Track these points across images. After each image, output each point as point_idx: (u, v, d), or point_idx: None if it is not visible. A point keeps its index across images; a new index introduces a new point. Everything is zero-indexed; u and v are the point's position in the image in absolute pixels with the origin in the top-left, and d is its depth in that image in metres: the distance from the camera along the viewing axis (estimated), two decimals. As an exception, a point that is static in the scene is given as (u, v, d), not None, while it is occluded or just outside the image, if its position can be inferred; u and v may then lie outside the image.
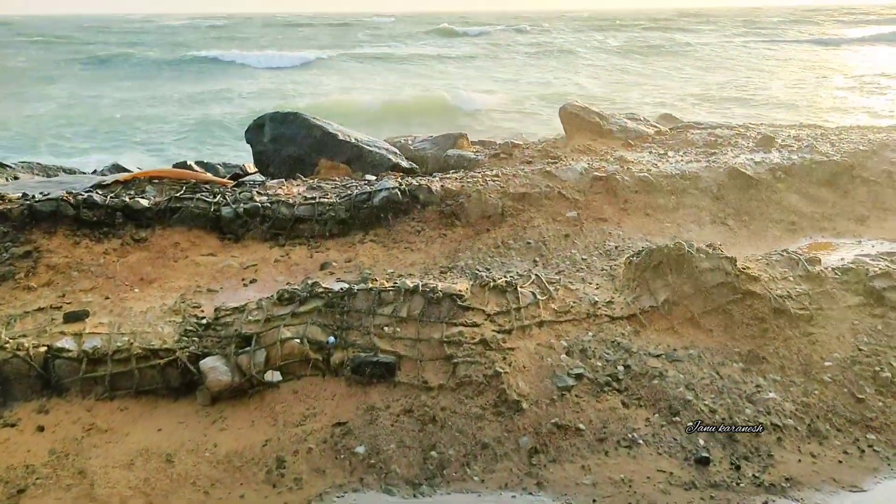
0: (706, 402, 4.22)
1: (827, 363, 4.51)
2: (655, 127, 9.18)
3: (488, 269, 5.63)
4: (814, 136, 8.44)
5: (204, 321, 4.84)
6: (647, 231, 6.30)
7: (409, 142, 9.27)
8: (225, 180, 7.27)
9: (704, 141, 8.31)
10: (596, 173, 6.89)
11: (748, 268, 5.18)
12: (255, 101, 26.85)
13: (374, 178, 7.24)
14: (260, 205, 6.27)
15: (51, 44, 54.14)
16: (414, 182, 6.56)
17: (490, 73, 38.15)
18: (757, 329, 4.77)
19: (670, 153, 7.91)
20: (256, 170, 8.81)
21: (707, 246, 5.27)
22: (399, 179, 6.87)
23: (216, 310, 4.95)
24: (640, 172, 6.95)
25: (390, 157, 7.97)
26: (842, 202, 6.75)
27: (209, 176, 7.20)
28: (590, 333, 4.73)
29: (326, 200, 6.35)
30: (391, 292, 4.83)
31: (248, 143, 8.68)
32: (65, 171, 11.26)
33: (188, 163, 12.52)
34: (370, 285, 4.93)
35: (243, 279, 5.63)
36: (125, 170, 10.75)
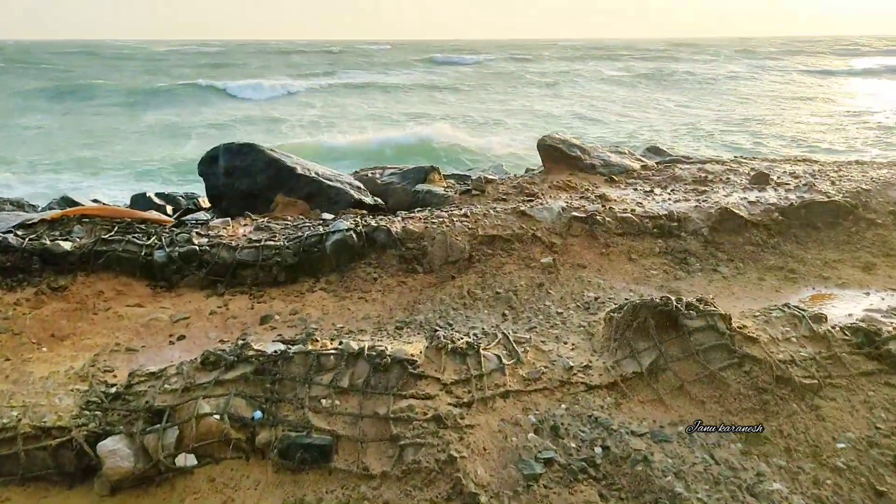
0: (700, 496, 3.56)
1: (840, 445, 3.87)
2: (641, 161, 8.62)
3: (450, 325, 4.99)
4: (811, 172, 7.90)
5: (113, 390, 4.15)
6: (631, 278, 5.68)
7: (378, 175, 8.67)
8: (165, 218, 6.62)
9: (694, 177, 7.75)
10: (575, 213, 6.29)
11: (745, 327, 4.57)
12: (228, 132, 26.37)
13: (330, 216, 6.61)
14: (198, 248, 5.61)
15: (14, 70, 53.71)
16: (372, 223, 5.93)
17: (479, 104, 38.01)
18: (756, 401, 4.14)
19: (657, 190, 7.34)
20: (210, 205, 8.18)
21: (698, 300, 4.66)
22: (357, 219, 6.24)
23: (130, 375, 4.26)
24: (624, 212, 6.35)
25: (353, 192, 7.35)
26: (846, 247, 6.17)
27: (148, 214, 6.54)
28: (563, 406, 4.08)
29: (273, 243, 5.71)
30: (332, 356, 4.17)
31: (200, 176, 8.05)
32: (11, 203, 10.58)
33: (147, 194, 11.88)
34: (309, 347, 4.27)
35: (171, 335, 4.95)
36: (75, 203, 10.09)
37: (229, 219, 6.30)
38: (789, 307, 4.93)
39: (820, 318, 4.77)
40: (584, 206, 6.49)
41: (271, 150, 7.67)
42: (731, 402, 4.15)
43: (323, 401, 3.95)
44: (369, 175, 8.65)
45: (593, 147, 8.51)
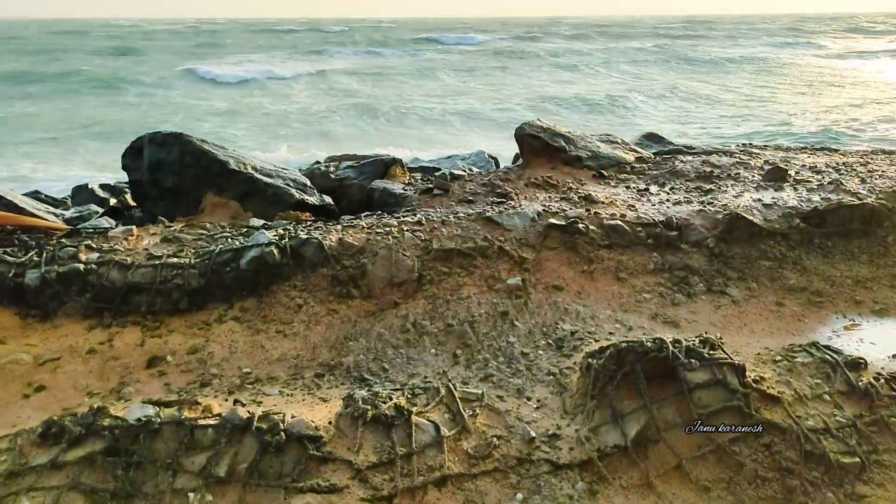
0: None
1: (894, 558, 2.87)
2: (636, 152, 7.55)
3: (385, 370, 3.96)
4: (835, 165, 6.83)
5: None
6: (619, 304, 4.65)
7: (333, 168, 7.61)
8: (59, 225, 5.57)
9: (697, 172, 6.69)
10: (552, 220, 5.25)
11: (763, 379, 3.55)
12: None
13: (259, 223, 5.57)
14: (83, 266, 4.57)
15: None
16: (301, 234, 4.89)
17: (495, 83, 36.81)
18: (779, 487, 3.12)
19: (653, 189, 6.28)
20: (135, 204, 7.14)
21: (701, 342, 3.63)
22: (286, 228, 5.20)
23: (-53, 448, 3.26)
24: (612, 219, 5.31)
25: (294, 191, 6.30)
26: (881, 261, 5.14)
27: (36, 220, 5.49)
28: (519, 496, 3.06)
29: (176, 260, 4.67)
30: (211, 430, 3.14)
31: (124, 170, 6.98)
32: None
33: (90, 185, 10.83)
34: (183, 414, 3.24)
35: (30, 384, 3.94)
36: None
37: (133, 227, 5.25)
38: (818, 348, 3.90)
39: (858, 365, 3.75)
40: (564, 211, 5.44)
41: (202, 140, 6.60)
42: (746, 487, 3.14)
43: (191, 495, 2.94)
44: (323, 168, 7.59)
45: (581, 136, 7.44)
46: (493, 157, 12.29)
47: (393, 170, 7.26)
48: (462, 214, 5.38)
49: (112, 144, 19.33)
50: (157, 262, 4.65)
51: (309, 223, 5.49)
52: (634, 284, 4.84)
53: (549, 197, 5.97)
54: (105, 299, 4.50)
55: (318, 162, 11.00)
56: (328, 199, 6.68)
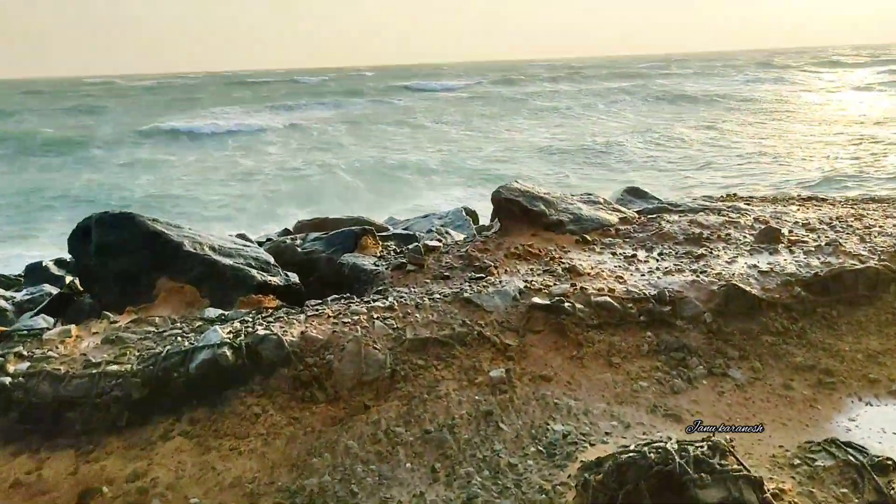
0: None
1: None
2: (619, 211, 7.23)
3: (354, 494, 3.49)
4: (829, 221, 6.53)
5: None
6: (613, 395, 4.23)
7: (300, 242, 7.20)
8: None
9: (686, 234, 6.35)
10: (535, 299, 4.85)
11: (783, 493, 3.12)
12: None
13: (215, 313, 5.11)
14: (8, 381, 4.07)
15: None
16: (259, 330, 4.43)
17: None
18: None
19: (640, 254, 5.92)
20: (82, 289, 6.65)
21: (710, 448, 3.21)
22: (245, 319, 4.75)
23: None
24: (600, 295, 4.92)
25: (256, 272, 5.86)
26: (891, 331, 4.78)
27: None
28: None
29: (117, 368, 4.19)
30: None
31: (70, 253, 6.52)
32: None
33: (44, 263, 10.39)
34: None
35: (-65, 533, 3.42)
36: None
37: (72, 327, 4.76)
38: (839, 447, 3.49)
39: (887, 468, 3.34)
40: (548, 287, 5.05)
41: (153, 220, 6.17)
42: None
43: None
44: (288, 241, 7.17)
45: (561, 198, 7.10)
46: (471, 213, 12.01)
47: (364, 241, 6.86)
48: (438, 295, 4.97)
49: (75, 212, 18.82)
50: (95, 370, 4.16)
51: (270, 312, 5.04)
52: (629, 370, 4.42)
53: (531, 269, 5.58)
54: (33, 419, 4.00)
55: (286, 230, 10.61)
56: (294, 278, 6.25)
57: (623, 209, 7.43)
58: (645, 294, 4.97)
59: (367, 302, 4.97)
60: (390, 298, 4.96)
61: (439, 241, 6.71)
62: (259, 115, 47.80)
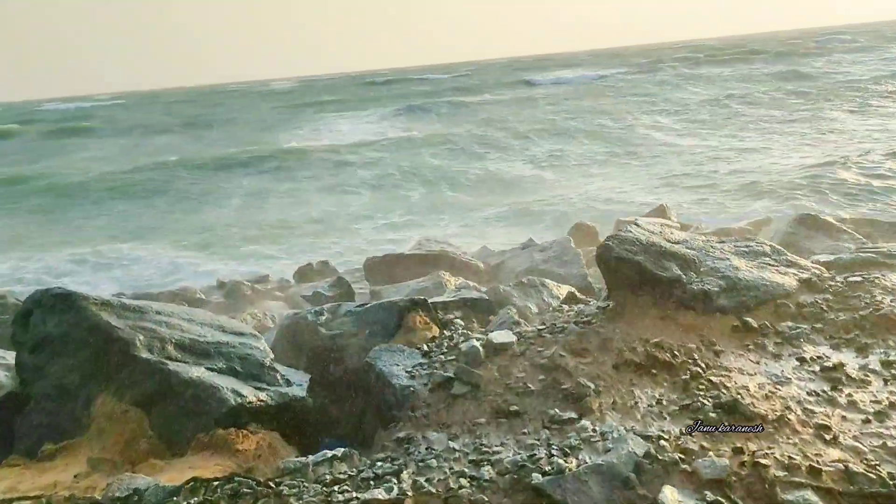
0: None
1: None
2: (798, 268, 4.85)
3: None
4: None
5: None
6: None
7: (328, 317, 5.31)
8: None
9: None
10: (668, 492, 2.66)
11: None
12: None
13: (146, 484, 3.25)
14: None
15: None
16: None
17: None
18: None
19: (849, 364, 3.59)
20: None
21: None
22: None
23: None
24: (795, 487, 2.66)
25: (229, 393, 3.99)
26: None
27: None
28: None
29: None
30: None
31: (13, 344, 4.92)
32: None
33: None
34: None
35: None
36: None
37: None
38: None
39: None
40: (690, 455, 2.85)
41: (103, 303, 4.43)
42: None
43: None
44: (310, 317, 5.29)
45: (704, 246, 4.80)
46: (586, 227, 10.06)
47: (411, 320, 4.88)
48: (489, 471, 2.89)
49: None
50: None
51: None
52: None
53: (659, 399, 3.39)
54: None
55: (317, 292, 8.79)
56: (298, 383, 4.36)
57: (800, 260, 5.04)
58: (876, 471, 2.68)
59: (366, 479, 2.96)
60: (405, 477, 2.92)
61: (519, 320, 4.60)
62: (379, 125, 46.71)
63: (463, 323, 5.19)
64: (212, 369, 4.23)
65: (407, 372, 4.07)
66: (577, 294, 6.35)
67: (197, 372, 4.10)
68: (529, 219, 18.47)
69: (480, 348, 3.98)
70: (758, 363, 3.73)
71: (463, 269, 8.85)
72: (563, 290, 6.51)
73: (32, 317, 4.66)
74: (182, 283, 13.74)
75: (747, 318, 4.16)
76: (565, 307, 5.54)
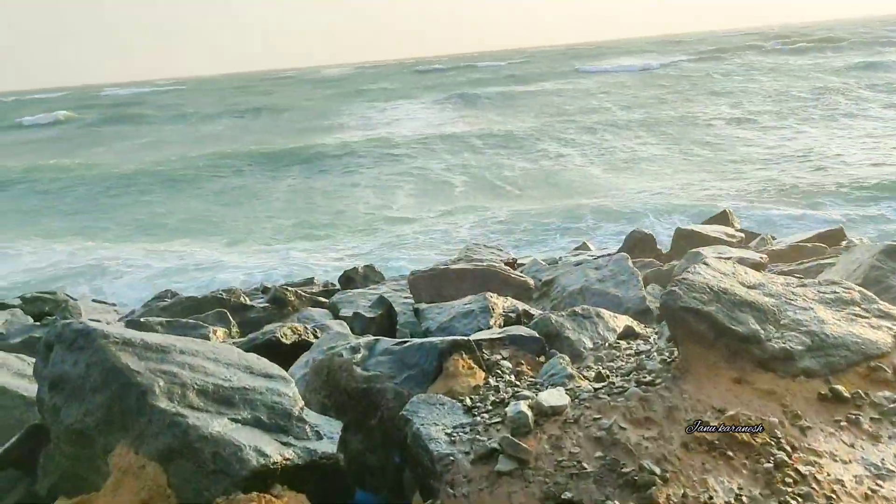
0: None
1: None
2: (892, 319, 4.30)
3: None
4: None
5: None
6: None
7: (364, 352, 4.97)
8: None
9: None
10: None
11: None
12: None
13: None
14: None
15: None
16: None
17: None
18: None
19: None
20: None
21: None
22: None
23: None
24: None
25: (251, 451, 3.67)
26: None
27: None
28: None
29: None
30: None
31: (34, 375, 4.70)
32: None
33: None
34: None
35: None
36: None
37: None
38: None
39: None
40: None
41: (125, 341, 4.16)
42: None
43: None
44: (345, 354, 4.95)
45: (784, 293, 4.30)
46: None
47: (453, 364, 4.50)
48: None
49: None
50: None
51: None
52: None
53: (736, 495, 2.94)
54: None
55: (357, 313, 8.43)
56: (328, 439, 4.01)
57: (894, 310, 4.48)
58: None
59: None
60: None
61: (572, 375, 4.17)
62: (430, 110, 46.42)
63: (510, 365, 4.79)
64: (235, 420, 3.92)
65: (447, 434, 3.69)
66: (636, 328, 5.87)
67: (218, 426, 3.79)
68: (583, 219, 17.94)
69: (529, 413, 3.56)
70: (852, 446, 3.24)
71: (512, 286, 8.43)
72: (620, 321, 6.03)
73: (53, 353, 4.42)
74: (228, 283, 13.66)
75: (836, 386, 3.66)
76: (622, 344, 5.12)
